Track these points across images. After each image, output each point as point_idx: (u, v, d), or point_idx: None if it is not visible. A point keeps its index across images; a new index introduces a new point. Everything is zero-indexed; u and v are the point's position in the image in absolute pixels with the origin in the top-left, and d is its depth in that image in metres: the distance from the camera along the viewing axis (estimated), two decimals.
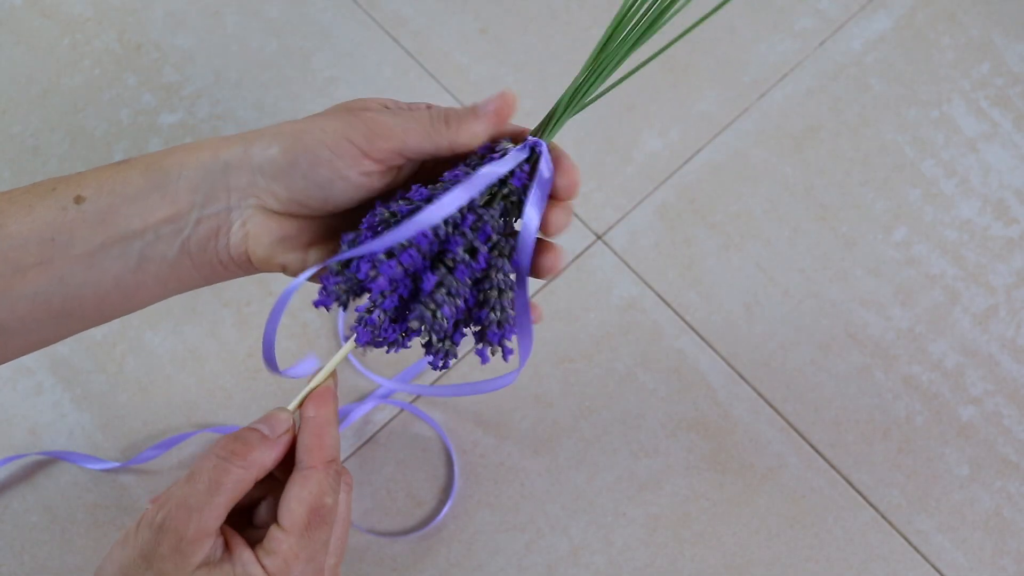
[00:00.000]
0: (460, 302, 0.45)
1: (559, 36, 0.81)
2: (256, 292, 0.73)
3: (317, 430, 0.47)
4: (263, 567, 0.44)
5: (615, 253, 0.75)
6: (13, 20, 0.82)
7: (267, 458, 0.46)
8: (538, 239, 0.48)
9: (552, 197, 0.47)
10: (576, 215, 0.76)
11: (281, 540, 0.45)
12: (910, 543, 0.67)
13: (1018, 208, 0.76)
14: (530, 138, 0.47)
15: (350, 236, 0.46)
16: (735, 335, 0.72)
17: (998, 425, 0.70)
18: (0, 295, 0.45)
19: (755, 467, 0.69)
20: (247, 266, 0.48)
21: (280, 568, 0.44)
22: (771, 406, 0.71)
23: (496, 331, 0.46)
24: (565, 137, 0.77)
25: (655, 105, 0.79)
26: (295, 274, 0.47)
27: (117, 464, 0.68)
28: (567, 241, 0.75)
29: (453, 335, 0.46)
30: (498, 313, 0.46)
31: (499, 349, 0.47)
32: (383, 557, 0.67)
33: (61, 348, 0.71)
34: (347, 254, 0.44)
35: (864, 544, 0.67)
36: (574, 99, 0.48)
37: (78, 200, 0.46)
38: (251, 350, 0.72)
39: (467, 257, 0.45)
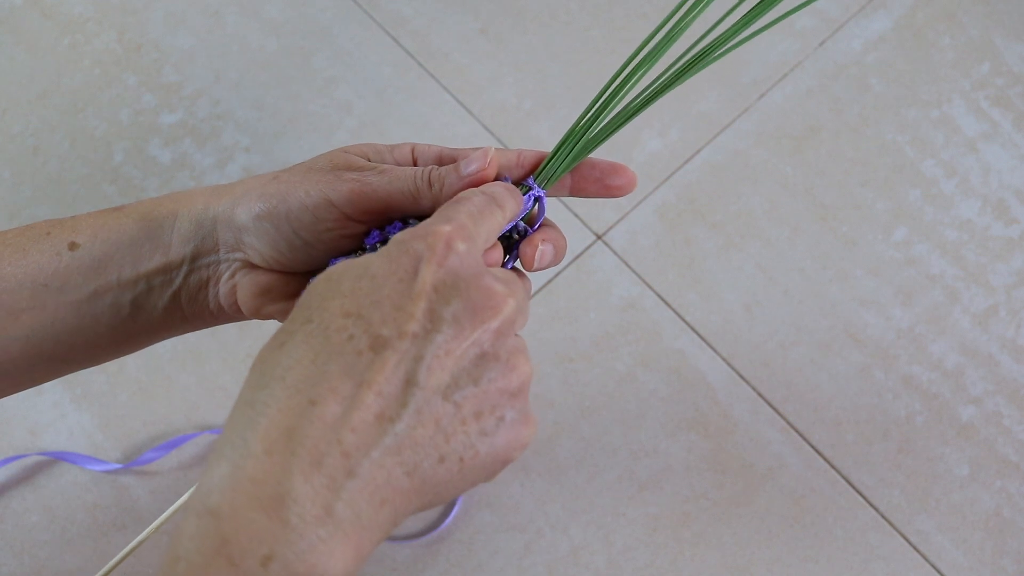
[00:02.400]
0: None
1: (559, 36, 0.81)
2: None
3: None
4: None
5: (615, 253, 0.75)
6: (13, 20, 0.82)
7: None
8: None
9: (608, 194, 0.48)
10: (576, 215, 0.76)
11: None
12: (910, 543, 0.67)
13: (1018, 208, 0.76)
14: (535, 188, 0.47)
15: None
16: (735, 335, 0.72)
17: (998, 425, 0.70)
18: None
19: (755, 467, 0.69)
20: (237, 315, 0.48)
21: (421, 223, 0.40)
22: (771, 406, 0.71)
23: None
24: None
25: (655, 105, 0.79)
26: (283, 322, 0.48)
27: (118, 466, 0.68)
28: (567, 241, 0.75)
29: None
30: None
31: None
32: (383, 557, 0.67)
33: None
34: None
35: (864, 544, 0.67)
36: (575, 146, 0.47)
37: (72, 246, 0.46)
38: (251, 350, 0.72)
39: None
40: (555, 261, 0.47)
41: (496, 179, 0.46)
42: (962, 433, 0.70)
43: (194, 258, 0.46)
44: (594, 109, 0.47)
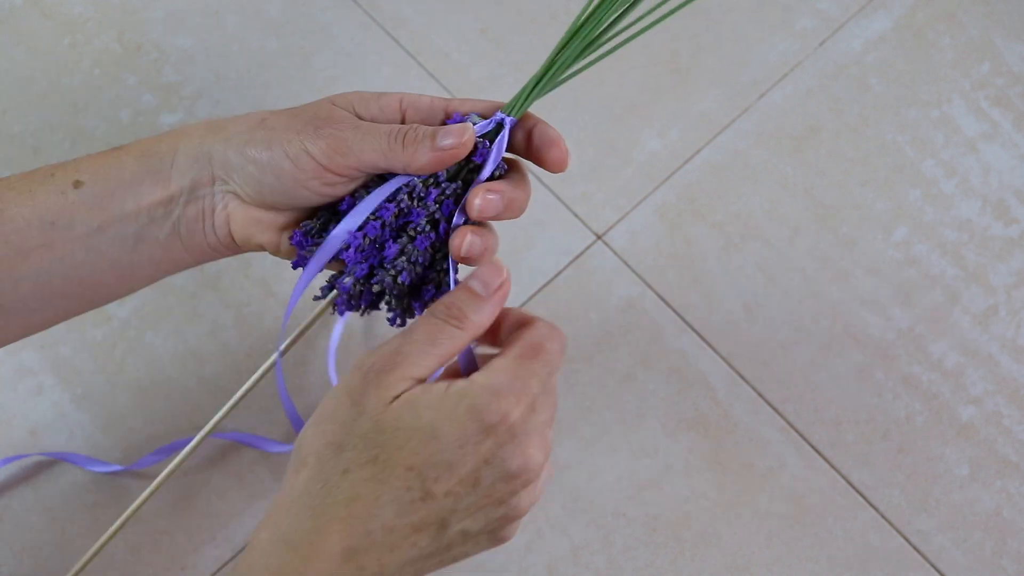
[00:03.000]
0: (419, 270, 0.48)
1: (559, 36, 0.81)
2: (256, 293, 0.73)
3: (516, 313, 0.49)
4: (471, 379, 0.44)
5: (615, 253, 0.75)
6: (13, 20, 0.82)
7: (482, 316, 0.46)
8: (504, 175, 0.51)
9: (545, 167, 0.51)
10: (576, 215, 0.76)
11: (495, 360, 0.45)
12: (910, 543, 0.67)
13: (1018, 208, 0.76)
14: (498, 114, 0.49)
15: (309, 225, 0.50)
16: (735, 335, 0.72)
17: (998, 425, 0.70)
18: (3, 277, 0.47)
19: (755, 467, 0.69)
20: (232, 246, 0.51)
21: (489, 380, 0.44)
22: (771, 406, 0.71)
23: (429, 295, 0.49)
24: (565, 137, 0.77)
25: (655, 105, 0.79)
26: (274, 254, 0.51)
27: (119, 467, 0.68)
28: (567, 241, 0.75)
29: (412, 301, 0.50)
30: (438, 276, 0.50)
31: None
32: None
33: (61, 348, 0.72)
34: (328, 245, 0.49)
35: (864, 544, 0.67)
36: (545, 77, 0.50)
37: (77, 185, 0.48)
38: (251, 351, 0.72)
39: (427, 228, 0.48)
40: (508, 214, 0.49)
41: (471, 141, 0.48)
42: (962, 433, 0.70)
43: (191, 189, 0.49)
44: (568, 45, 0.50)
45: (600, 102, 0.79)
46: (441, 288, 0.49)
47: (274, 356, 0.52)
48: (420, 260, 0.48)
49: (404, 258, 0.48)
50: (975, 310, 0.73)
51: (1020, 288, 0.73)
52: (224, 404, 0.70)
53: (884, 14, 0.81)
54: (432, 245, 0.48)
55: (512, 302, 0.73)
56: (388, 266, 0.48)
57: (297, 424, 0.55)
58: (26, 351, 0.71)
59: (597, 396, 0.71)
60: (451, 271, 0.49)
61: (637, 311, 0.73)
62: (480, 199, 0.48)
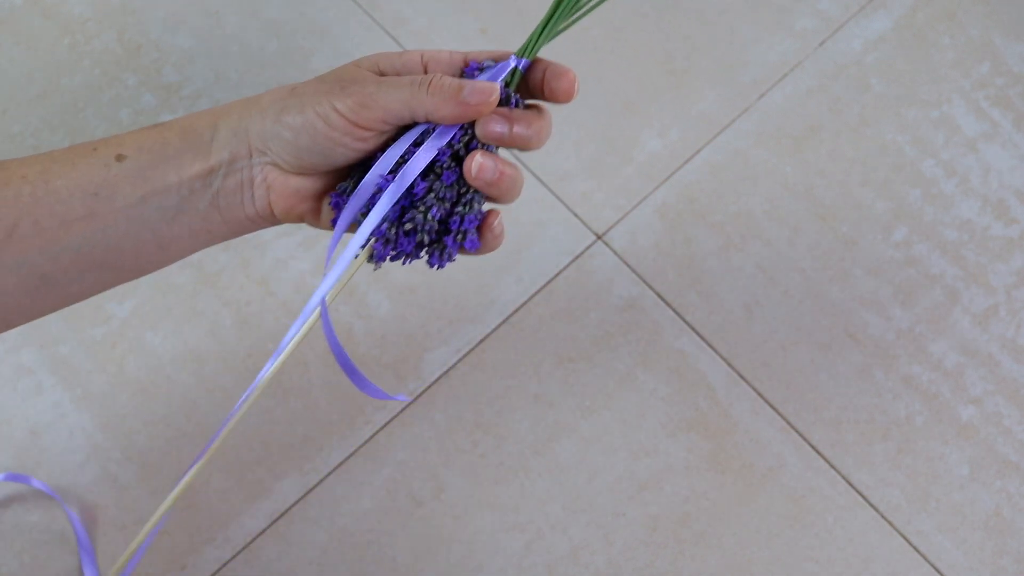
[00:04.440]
0: (447, 205, 0.51)
1: (559, 36, 0.81)
2: (256, 292, 0.73)
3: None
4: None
5: (615, 253, 0.75)
6: (13, 20, 0.82)
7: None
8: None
9: (554, 101, 0.52)
10: (576, 215, 0.76)
11: None
12: (910, 543, 0.67)
13: (1018, 208, 0.76)
14: (513, 58, 0.52)
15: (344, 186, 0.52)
16: (735, 335, 0.72)
17: (998, 425, 0.70)
18: (46, 247, 0.49)
19: (755, 467, 0.69)
20: (271, 218, 0.52)
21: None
22: (771, 406, 0.71)
23: (455, 226, 0.51)
24: (565, 136, 0.77)
25: (655, 105, 0.79)
26: (314, 224, 0.53)
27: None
28: (567, 241, 0.75)
29: (444, 237, 0.52)
30: (464, 208, 0.52)
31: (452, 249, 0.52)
32: (383, 557, 0.67)
33: (62, 348, 0.72)
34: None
35: (864, 544, 0.67)
36: (555, 16, 0.52)
37: (119, 158, 0.50)
38: (251, 350, 0.72)
39: (452, 164, 0.50)
40: (523, 141, 0.51)
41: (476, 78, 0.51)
42: (962, 433, 0.70)
43: (231, 162, 0.50)
44: None
45: (600, 102, 0.79)
46: (466, 218, 0.51)
47: (317, 305, 0.52)
48: (448, 196, 0.50)
49: (432, 195, 0.50)
50: (975, 310, 0.73)
51: (1020, 288, 0.73)
52: (224, 404, 0.71)
53: (884, 14, 0.81)
54: (458, 180, 0.51)
55: (513, 302, 0.73)
56: (418, 203, 0.50)
57: (350, 371, 0.55)
58: (26, 350, 0.71)
59: (597, 396, 0.71)
60: (476, 201, 0.51)
61: (637, 311, 0.73)
62: (474, 164, 0.50)
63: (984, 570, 0.67)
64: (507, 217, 0.77)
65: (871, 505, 0.68)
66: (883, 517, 0.68)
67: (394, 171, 0.51)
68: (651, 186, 0.76)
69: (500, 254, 0.74)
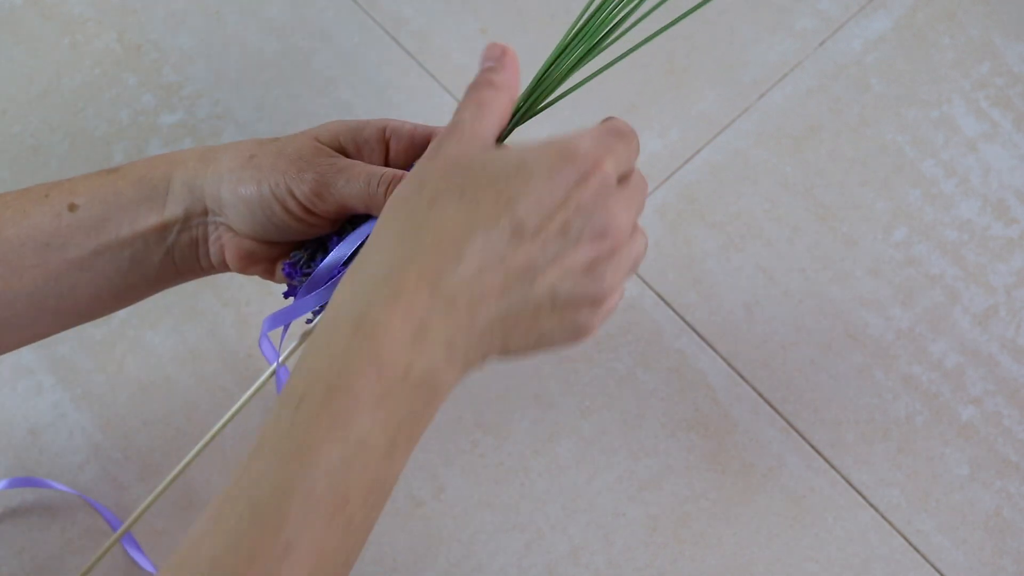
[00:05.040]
0: None
1: (559, 36, 0.81)
2: (256, 292, 0.73)
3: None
4: (560, 135, 0.43)
5: None
6: (13, 20, 0.82)
7: (506, 75, 0.46)
8: None
9: None
10: None
11: (582, 130, 0.44)
12: (910, 543, 0.67)
13: (1018, 208, 0.76)
14: None
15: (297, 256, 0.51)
16: (735, 335, 0.72)
17: (998, 425, 0.70)
18: None
19: (755, 467, 0.69)
20: (225, 270, 0.52)
21: (580, 133, 0.43)
22: (771, 406, 0.71)
23: None
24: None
25: (655, 105, 0.79)
26: (269, 279, 0.52)
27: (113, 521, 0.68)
28: None
29: None
30: None
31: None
32: (383, 557, 0.67)
33: (61, 348, 0.72)
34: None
35: (864, 544, 0.67)
36: (524, 107, 0.50)
37: (72, 208, 0.49)
38: (251, 350, 0.72)
39: None
40: None
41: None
42: (962, 433, 0.70)
43: (186, 219, 0.50)
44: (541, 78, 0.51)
45: (600, 102, 0.79)
46: None
47: (273, 366, 0.52)
48: None
49: None
50: (975, 310, 0.73)
51: (1020, 288, 0.73)
52: (224, 403, 0.71)
53: (884, 14, 0.81)
54: None
55: None
56: None
57: None
58: (25, 351, 0.71)
59: (597, 396, 0.71)
60: None
61: (637, 311, 0.73)
62: None
63: (984, 570, 0.67)
64: None
65: (871, 505, 0.68)
66: (883, 517, 0.68)
67: (348, 262, 0.49)
68: (651, 186, 0.76)
69: None
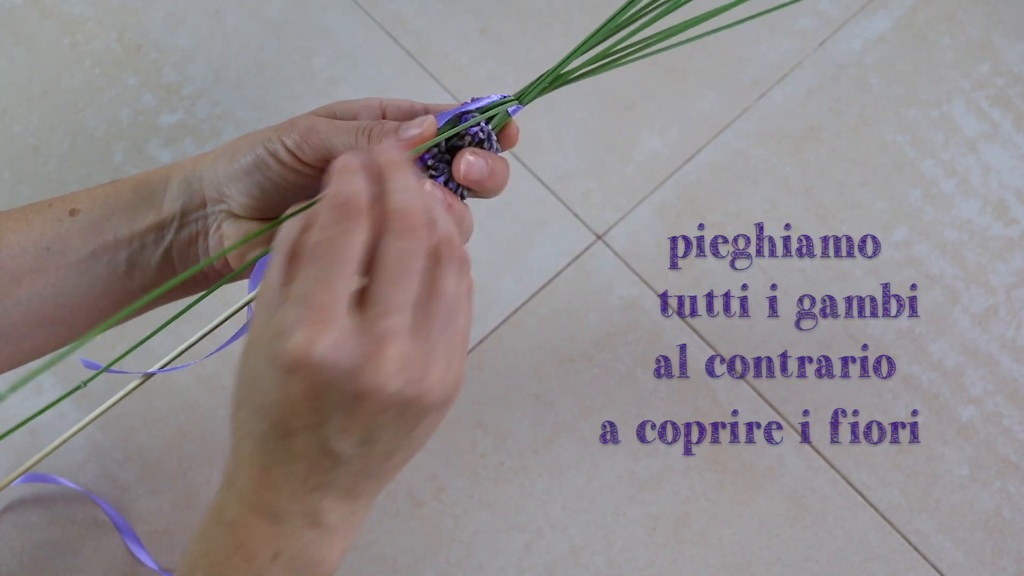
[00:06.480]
0: None
1: (559, 36, 0.81)
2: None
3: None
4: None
5: (615, 253, 0.75)
6: (13, 20, 0.82)
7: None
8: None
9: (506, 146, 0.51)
10: (576, 215, 0.76)
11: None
12: (910, 543, 0.67)
13: (1018, 208, 0.76)
14: (496, 96, 0.51)
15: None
16: (735, 335, 0.72)
17: (998, 425, 0.70)
18: None
19: (755, 467, 0.69)
20: (226, 269, 0.52)
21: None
22: (771, 406, 0.71)
23: None
24: (565, 136, 0.77)
25: (655, 105, 0.79)
26: None
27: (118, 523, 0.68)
28: (567, 241, 0.75)
29: None
30: None
31: None
32: (383, 557, 0.67)
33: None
34: None
35: (864, 544, 0.67)
36: (558, 72, 0.51)
37: (72, 213, 0.50)
38: None
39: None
40: (491, 183, 0.49)
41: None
42: (962, 433, 0.70)
43: (183, 214, 0.50)
44: (580, 48, 0.51)
45: (600, 101, 0.79)
46: None
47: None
48: None
49: None
50: (975, 310, 0.73)
51: (1020, 288, 0.73)
52: (223, 403, 0.71)
53: (884, 14, 0.81)
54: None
55: (512, 302, 0.73)
56: None
57: None
58: None
59: (597, 396, 0.71)
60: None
61: (637, 311, 0.73)
62: (463, 163, 0.48)
63: (984, 570, 0.67)
64: (507, 217, 0.77)
65: (871, 505, 0.68)
66: (883, 517, 0.68)
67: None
68: (651, 186, 0.76)
69: (499, 254, 0.74)
